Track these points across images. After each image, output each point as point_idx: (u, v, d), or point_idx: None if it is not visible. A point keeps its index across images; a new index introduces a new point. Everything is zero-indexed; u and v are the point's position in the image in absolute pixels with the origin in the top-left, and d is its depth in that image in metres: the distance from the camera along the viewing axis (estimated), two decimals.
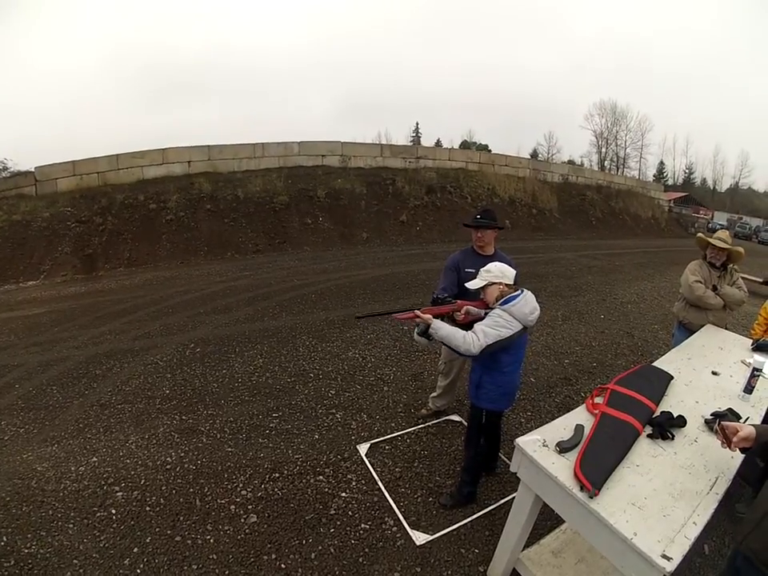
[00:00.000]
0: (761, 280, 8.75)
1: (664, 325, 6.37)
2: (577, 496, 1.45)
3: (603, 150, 49.78)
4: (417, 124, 58.26)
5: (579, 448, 1.65)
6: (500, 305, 2.20)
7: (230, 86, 76.82)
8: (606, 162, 48.61)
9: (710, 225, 30.47)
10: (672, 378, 2.24)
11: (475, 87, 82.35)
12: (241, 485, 2.76)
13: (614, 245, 15.29)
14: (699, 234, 3.60)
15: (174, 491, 2.69)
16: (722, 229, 3.51)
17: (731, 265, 3.43)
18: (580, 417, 1.91)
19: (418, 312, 2.18)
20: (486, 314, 2.32)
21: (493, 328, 2.11)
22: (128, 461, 2.95)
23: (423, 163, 16.50)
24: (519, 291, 2.24)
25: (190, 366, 4.42)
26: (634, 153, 49.52)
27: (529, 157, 33.69)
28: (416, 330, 2.25)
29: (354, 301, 6.69)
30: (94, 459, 2.97)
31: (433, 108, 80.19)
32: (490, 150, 27.88)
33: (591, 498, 1.43)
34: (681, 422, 1.85)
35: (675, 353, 2.72)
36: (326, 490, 2.73)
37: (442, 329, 2.13)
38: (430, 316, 2.17)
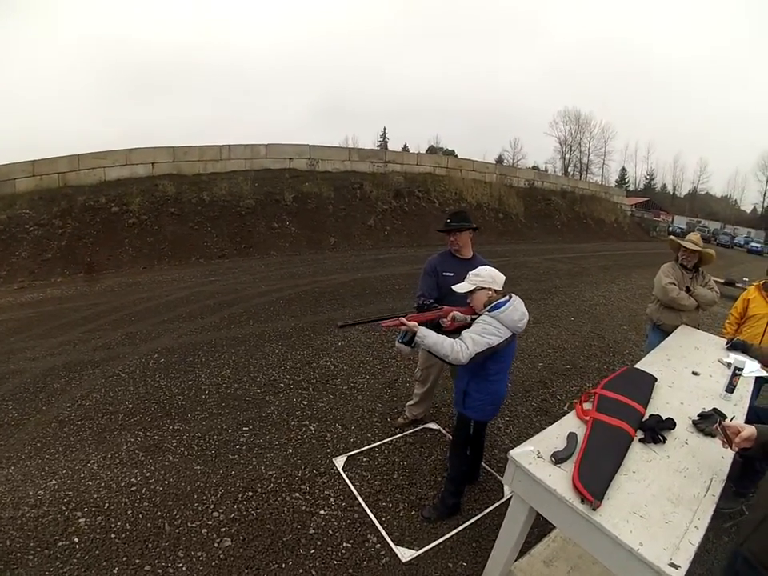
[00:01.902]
0: (722, 280, 9.16)
1: (633, 326, 6.56)
2: (578, 509, 1.38)
3: (567, 156, 51.70)
4: (384, 129, 58.82)
5: (575, 457, 1.58)
6: (488, 311, 2.12)
7: (196, 87, 75.91)
8: (569, 168, 50.44)
9: (671, 228, 32.05)
10: (656, 379, 2.22)
11: (442, 94, 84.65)
12: (212, 506, 2.57)
13: (579, 248, 15.76)
14: (671, 237, 3.69)
15: (140, 515, 2.47)
16: (692, 232, 3.59)
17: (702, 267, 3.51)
18: (571, 424, 1.85)
19: (403, 319, 2.08)
20: (472, 319, 2.24)
21: (482, 335, 2.04)
22: (90, 483, 2.72)
23: (391, 167, 16.55)
24: (508, 297, 2.17)
25: (154, 377, 4.19)
26: (596, 159, 51.81)
27: (495, 162, 34.28)
28: (398, 337, 2.15)
29: (323, 307, 6.59)
30: (54, 482, 2.73)
31: (400, 114, 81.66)
32: (456, 156, 28.24)
33: (594, 510, 1.36)
34: (670, 424, 1.82)
35: (655, 354, 2.73)
36: (304, 507, 2.57)
37: (429, 337, 2.03)
38: (415, 323, 2.08)
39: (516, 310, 2.12)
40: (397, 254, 11.74)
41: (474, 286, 2.18)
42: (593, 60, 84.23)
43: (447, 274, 2.78)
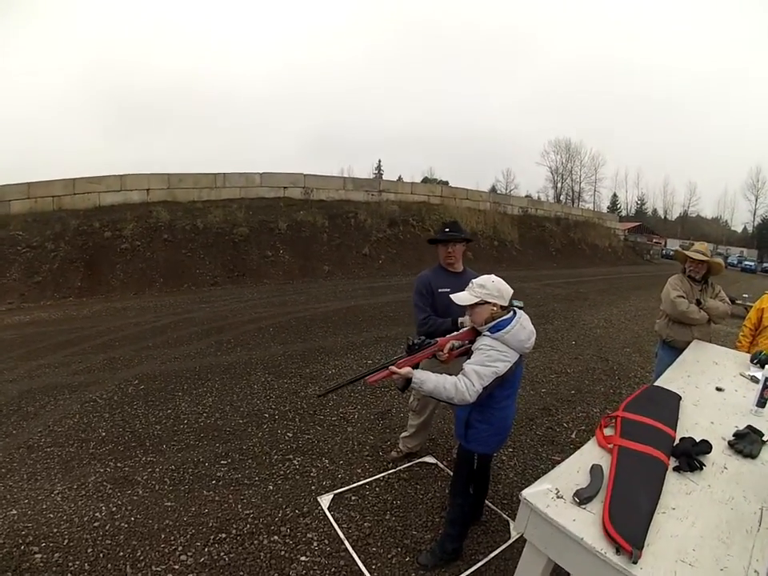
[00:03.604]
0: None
1: (636, 347, 6.40)
2: (613, 562, 1.08)
3: (559, 185, 52.60)
4: (379, 161, 60.10)
5: (603, 495, 1.29)
6: (490, 330, 1.84)
7: (193, 116, 78.05)
8: (561, 197, 51.22)
9: (664, 251, 32.44)
10: (680, 398, 1.97)
11: (435, 128, 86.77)
12: (180, 548, 2.27)
13: (575, 273, 15.70)
14: (677, 248, 3.51)
15: (101, 555, 2.21)
16: (699, 242, 3.41)
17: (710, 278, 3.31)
18: (592, 454, 1.56)
19: (393, 368, 1.78)
20: (471, 342, 1.96)
21: (486, 365, 1.77)
22: (51, 515, 2.49)
23: (386, 197, 16.61)
24: (511, 314, 1.90)
25: (132, 405, 3.96)
26: (588, 187, 52.94)
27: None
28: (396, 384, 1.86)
29: (314, 334, 6.40)
30: (14, 512, 2.51)
31: (395, 145, 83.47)
32: (449, 185, 28.57)
33: (634, 562, 1.07)
34: (706, 447, 1.55)
35: (673, 371, 2.48)
36: (283, 553, 2.25)
37: (427, 381, 1.75)
38: (408, 369, 1.79)
39: (523, 328, 1.86)
40: (392, 282, 11.59)
41: (477, 299, 1.90)
42: (578, 90, 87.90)
43: (443, 290, 2.56)
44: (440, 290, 2.59)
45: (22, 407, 3.87)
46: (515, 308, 1.97)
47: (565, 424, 3.84)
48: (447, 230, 2.67)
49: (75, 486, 2.76)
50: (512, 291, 1.99)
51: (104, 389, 4.30)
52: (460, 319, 2.29)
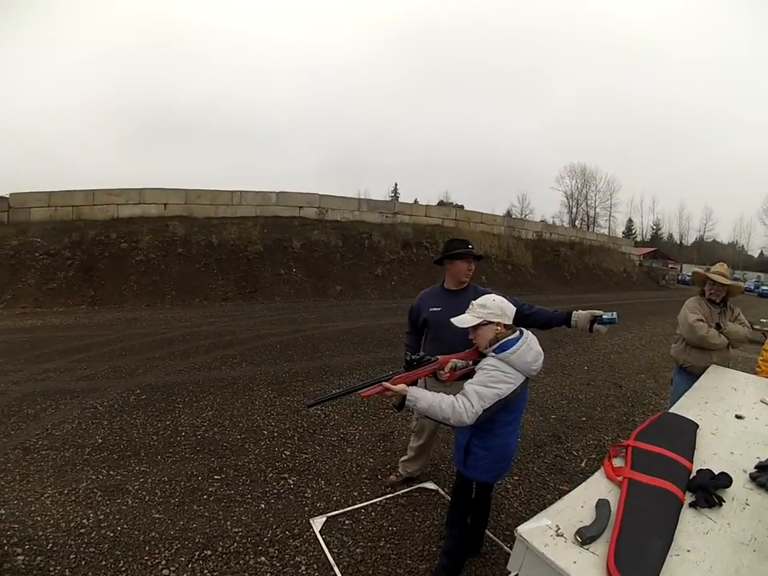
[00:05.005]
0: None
1: (651, 374, 6.21)
2: None
3: (574, 210, 52.33)
4: (395, 185, 60.53)
5: (609, 535, 1.15)
6: (494, 351, 1.74)
7: (215, 135, 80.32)
8: (576, 222, 50.85)
9: (680, 277, 32.06)
10: (697, 426, 1.82)
11: (452, 152, 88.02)
12: (164, 561, 2.18)
13: (590, 298, 15.44)
14: (696, 269, 3.36)
15: (83, 562, 2.16)
16: (719, 263, 3.26)
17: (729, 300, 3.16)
18: (599, 487, 1.42)
19: (387, 384, 1.68)
20: (475, 363, 1.86)
21: (488, 386, 1.66)
22: (38, 518, 2.47)
23: (400, 219, 16.70)
24: (518, 333, 1.80)
25: (131, 413, 3.96)
26: (603, 212, 52.55)
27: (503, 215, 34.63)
28: (392, 402, 1.78)
29: (321, 353, 6.35)
30: (2, 512, 2.51)
31: (411, 170, 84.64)
32: (464, 209, 28.68)
33: None
34: (726, 481, 1.40)
35: (689, 397, 2.32)
36: (268, 575, 2.14)
37: (422, 399, 1.64)
38: (403, 386, 1.69)
39: (530, 349, 1.75)
40: (403, 303, 11.46)
41: (479, 320, 1.78)
42: (594, 116, 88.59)
43: (434, 309, 2.47)
44: (431, 310, 2.50)
45: (23, 409, 3.91)
46: (521, 328, 1.86)
47: (574, 452, 3.66)
48: (470, 246, 2.49)
49: (66, 491, 2.74)
50: (515, 309, 1.88)
51: (105, 396, 4.31)
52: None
